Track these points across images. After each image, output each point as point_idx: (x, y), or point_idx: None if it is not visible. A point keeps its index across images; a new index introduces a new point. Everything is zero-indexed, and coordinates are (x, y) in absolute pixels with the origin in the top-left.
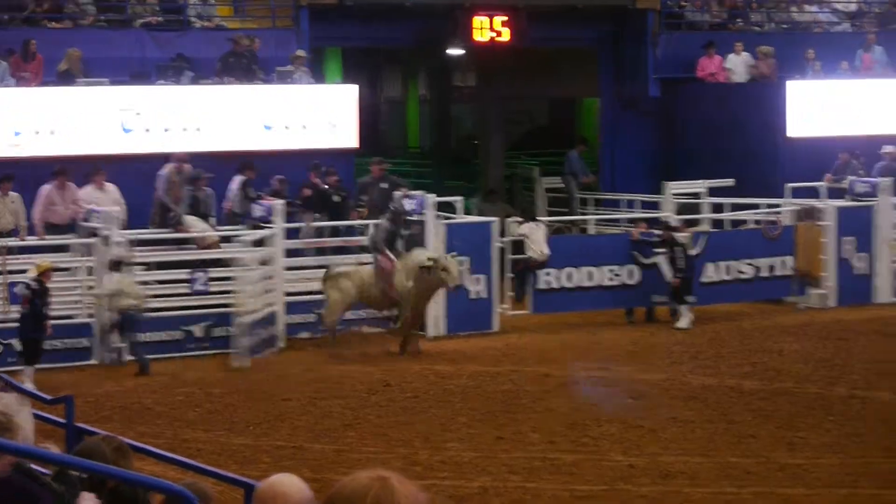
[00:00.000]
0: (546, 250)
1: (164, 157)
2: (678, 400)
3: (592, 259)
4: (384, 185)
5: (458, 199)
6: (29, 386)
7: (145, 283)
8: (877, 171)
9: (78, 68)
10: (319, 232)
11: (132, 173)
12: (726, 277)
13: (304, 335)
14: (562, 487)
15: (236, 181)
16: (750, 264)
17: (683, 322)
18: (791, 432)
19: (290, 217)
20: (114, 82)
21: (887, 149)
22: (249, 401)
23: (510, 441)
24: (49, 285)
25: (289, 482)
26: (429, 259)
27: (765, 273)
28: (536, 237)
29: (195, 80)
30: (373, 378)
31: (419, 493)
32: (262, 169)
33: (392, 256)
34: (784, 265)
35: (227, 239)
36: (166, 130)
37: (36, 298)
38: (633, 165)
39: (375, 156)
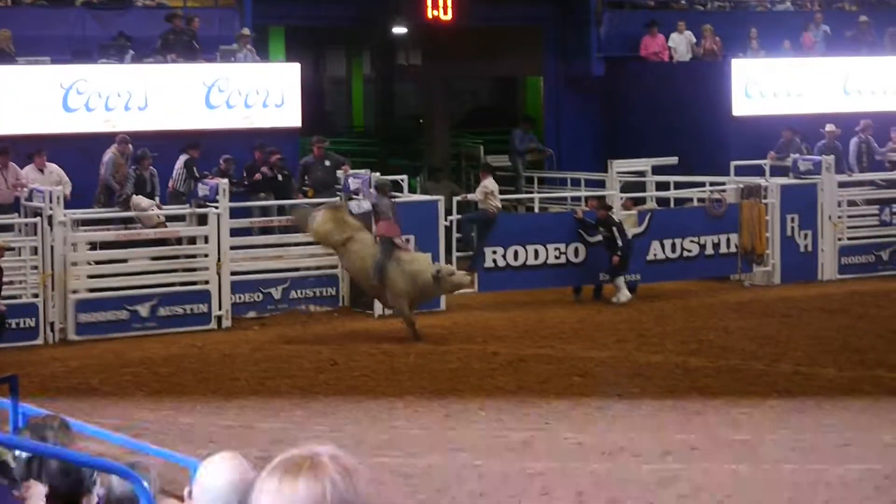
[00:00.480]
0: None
1: (107, 137)
2: (624, 377)
3: (539, 237)
4: (327, 164)
5: (403, 178)
6: None
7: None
8: (818, 149)
9: (9, 47)
10: (265, 211)
11: (74, 152)
12: (671, 255)
13: (251, 315)
14: (510, 465)
15: (180, 160)
16: (695, 242)
17: (621, 297)
18: (736, 409)
19: (236, 197)
20: (55, 61)
21: (829, 128)
22: (197, 381)
23: (458, 419)
24: (2, 264)
25: (230, 461)
26: (437, 270)
27: (710, 251)
28: (496, 194)
29: (137, 59)
30: (321, 357)
31: (353, 469)
32: (206, 148)
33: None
34: (729, 243)
35: (171, 218)
36: (109, 109)
37: None
38: (578, 144)
39: (321, 135)
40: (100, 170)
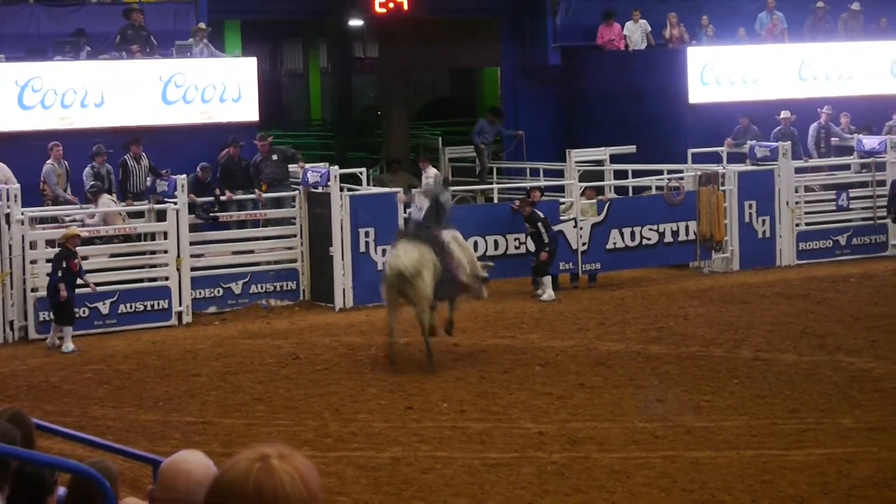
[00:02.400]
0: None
1: (64, 134)
2: (585, 366)
3: (498, 228)
4: (275, 158)
5: (361, 171)
6: (70, 346)
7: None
8: (773, 135)
9: None
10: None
11: (31, 150)
12: (631, 244)
13: (212, 310)
14: (473, 456)
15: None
16: (654, 230)
17: (546, 295)
18: (697, 396)
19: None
20: (9, 59)
21: (784, 114)
22: (159, 377)
23: (420, 411)
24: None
25: (193, 458)
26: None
27: (669, 238)
28: (431, 181)
29: (93, 55)
30: (282, 352)
31: (303, 468)
32: (163, 143)
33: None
34: (688, 230)
35: (131, 215)
36: (65, 106)
37: (62, 263)
38: (536, 134)
39: (278, 129)
40: (42, 184)
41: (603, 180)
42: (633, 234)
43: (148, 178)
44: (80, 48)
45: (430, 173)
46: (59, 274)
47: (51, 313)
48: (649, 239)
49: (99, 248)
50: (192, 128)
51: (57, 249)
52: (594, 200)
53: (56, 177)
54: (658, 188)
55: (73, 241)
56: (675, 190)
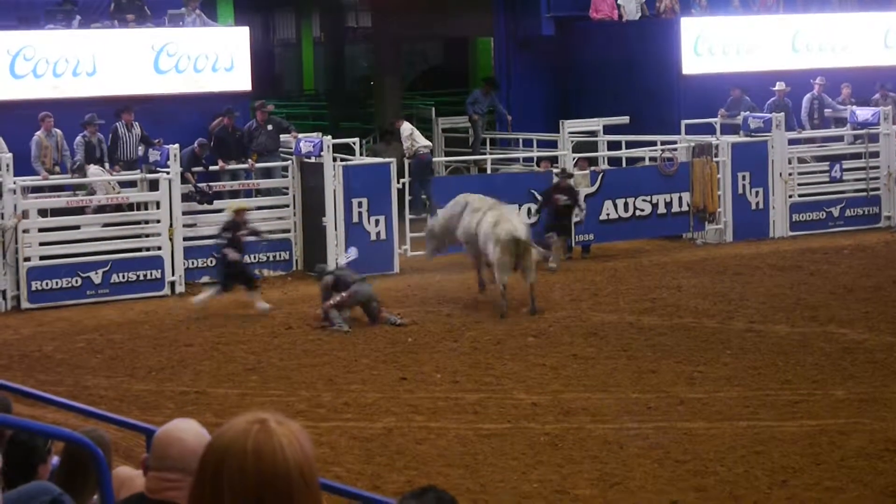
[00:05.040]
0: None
1: (56, 103)
2: (579, 337)
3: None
4: (270, 128)
5: (354, 141)
6: (263, 305)
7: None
8: (768, 107)
9: None
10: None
11: (23, 119)
12: (624, 215)
13: (205, 280)
14: (466, 426)
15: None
16: (647, 201)
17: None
18: (690, 367)
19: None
20: (1, 27)
21: (779, 85)
22: (151, 347)
23: (413, 381)
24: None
25: (187, 427)
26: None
27: (662, 209)
28: (416, 134)
29: (85, 24)
30: (275, 322)
31: (300, 433)
32: (156, 113)
33: None
34: (681, 201)
35: (123, 184)
36: (57, 75)
37: (229, 232)
38: (529, 105)
39: (271, 99)
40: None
41: (596, 151)
42: (626, 205)
43: (140, 148)
44: (72, 16)
45: (406, 130)
46: (225, 242)
47: (219, 279)
48: (643, 210)
49: (91, 217)
50: (184, 97)
51: (225, 219)
52: (587, 171)
53: (43, 149)
54: (651, 159)
55: (241, 214)
56: (669, 161)
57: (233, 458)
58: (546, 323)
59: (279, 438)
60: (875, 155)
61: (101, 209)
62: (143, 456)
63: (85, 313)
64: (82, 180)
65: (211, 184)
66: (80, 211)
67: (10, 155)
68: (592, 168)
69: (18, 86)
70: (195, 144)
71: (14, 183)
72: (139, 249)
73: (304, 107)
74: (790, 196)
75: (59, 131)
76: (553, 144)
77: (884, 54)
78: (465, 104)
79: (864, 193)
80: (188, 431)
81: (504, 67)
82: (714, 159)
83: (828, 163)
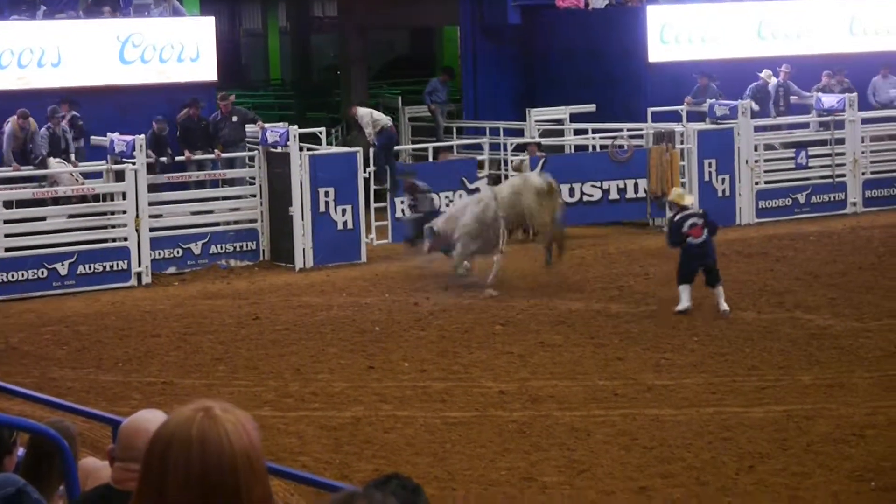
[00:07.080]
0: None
1: (22, 94)
2: (546, 325)
3: (454, 186)
4: (234, 119)
5: (321, 131)
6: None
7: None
8: (750, 91)
9: None
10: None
11: None
12: (570, 199)
13: (171, 270)
14: (434, 415)
15: (66, 118)
16: (596, 187)
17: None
18: (657, 354)
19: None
20: None
21: (765, 73)
22: (118, 338)
23: (381, 370)
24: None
25: (152, 417)
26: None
27: (614, 195)
28: (376, 114)
29: (49, 15)
30: (242, 312)
31: (246, 420)
32: (121, 103)
33: None
34: (637, 188)
35: (88, 175)
36: (22, 66)
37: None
38: (496, 93)
39: (237, 89)
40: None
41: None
42: (571, 190)
43: (81, 140)
44: (37, 7)
45: (364, 114)
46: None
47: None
48: (591, 195)
49: (57, 208)
50: (150, 87)
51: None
52: (527, 157)
53: (13, 140)
54: (602, 147)
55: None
56: (621, 148)
57: (178, 446)
58: (513, 311)
59: (224, 426)
60: (840, 142)
61: (66, 200)
62: (109, 447)
63: (51, 305)
64: (43, 171)
65: (172, 154)
66: (45, 203)
67: None
68: (539, 153)
69: None
70: (153, 123)
71: None
72: (105, 241)
73: (271, 97)
74: (756, 183)
75: (33, 121)
76: (520, 133)
77: (849, 41)
78: (422, 94)
79: (830, 180)
80: (154, 422)
81: (470, 56)
82: (677, 147)
83: (793, 150)
